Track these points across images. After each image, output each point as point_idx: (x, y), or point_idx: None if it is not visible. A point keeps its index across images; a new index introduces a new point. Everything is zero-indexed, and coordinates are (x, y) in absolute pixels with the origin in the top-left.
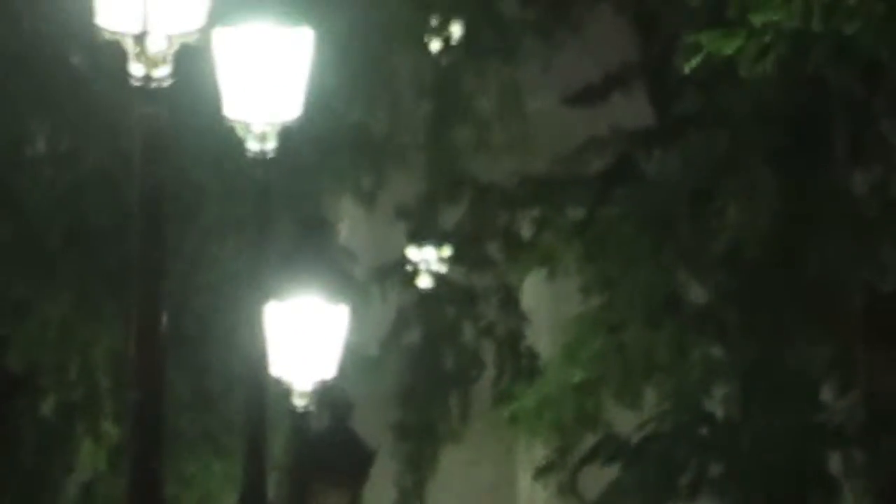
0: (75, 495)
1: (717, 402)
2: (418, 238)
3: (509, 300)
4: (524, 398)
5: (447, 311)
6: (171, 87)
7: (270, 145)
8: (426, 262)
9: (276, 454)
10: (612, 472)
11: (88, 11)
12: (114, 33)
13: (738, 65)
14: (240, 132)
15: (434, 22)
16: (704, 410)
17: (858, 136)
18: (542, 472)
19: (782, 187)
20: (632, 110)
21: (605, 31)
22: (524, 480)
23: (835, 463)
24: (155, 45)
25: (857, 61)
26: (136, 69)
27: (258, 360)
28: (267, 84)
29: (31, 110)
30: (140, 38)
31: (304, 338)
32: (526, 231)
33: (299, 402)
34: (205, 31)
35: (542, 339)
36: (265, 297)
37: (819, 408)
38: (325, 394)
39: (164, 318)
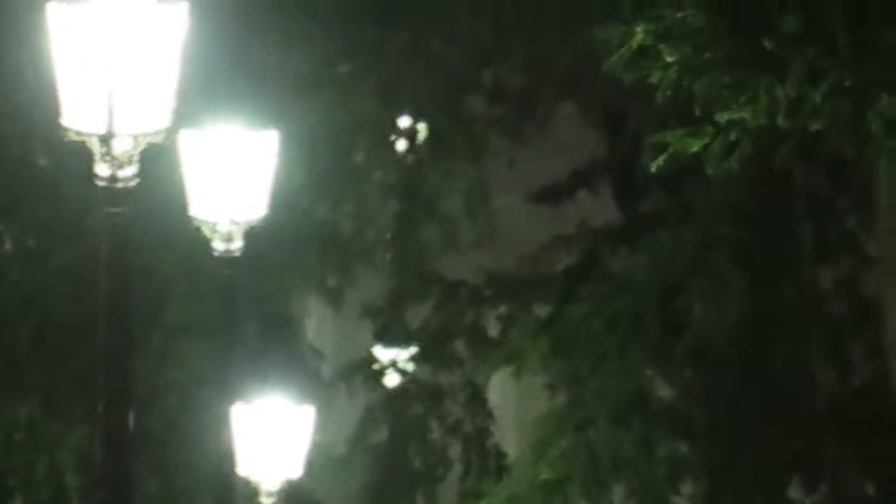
0: None
1: (684, 500)
2: (385, 336)
3: (476, 398)
4: (492, 496)
5: (414, 408)
6: (136, 187)
7: (236, 244)
8: (393, 360)
9: None
10: None
11: (54, 112)
12: (79, 134)
13: (704, 162)
14: (206, 232)
15: (400, 122)
16: None
17: (824, 232)
18: None
19: (749, 284)
20: (598, 208)
21: (571, 129)
22: None
23: None
24: (120, 145)
25: (822, 158)
26: (102, 169)
27: (225, 460)
28: (232, 184)
29: None
30: (105, 139)
31: (271, 438)
32: (493, 329)
33: (266, 502)
34: (171, 132)
35: (509, 436)
36: (232, 397)
37: None
38: (292, 493)
39: (131, 417)
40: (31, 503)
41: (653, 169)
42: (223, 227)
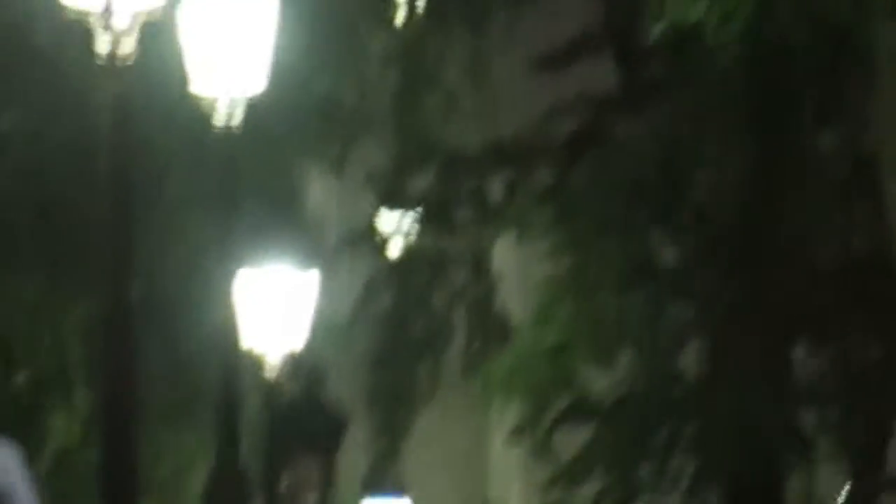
0: (48, 468)
1: (689, 363)
2: (387, 205)
3: (479, 265)
4: (496, 362)
5: (417, 277)
6: (136, 62)
7: (237, 118)
8: (396, 229)
9: (249, 424)
10: (585, 433)
11: None
12: (79, 11)
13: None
14: (206, 106)
15: None
16: (677, 371)
17: (825, 97)
18: (516, 434)
19: (751, 149)
20: (598, 76)
21: None
22: (497, 444)
23: (808, 421)
24: (120, 21)
25: (820, 23)
26: (102, 46)
27: (229, 331)
28: (232, 57)
29: None
30: (105, 16)
31: (275, 306)
32: (495, 195)
33: (271, 372)
34: (169, 7)
35: (513, 302)
36: (234, 268)
37: (792, 366)
38: (297, 363)
39: (135, 291)
40: (36, 376)
41: (652, 37)
42: (223, 101)
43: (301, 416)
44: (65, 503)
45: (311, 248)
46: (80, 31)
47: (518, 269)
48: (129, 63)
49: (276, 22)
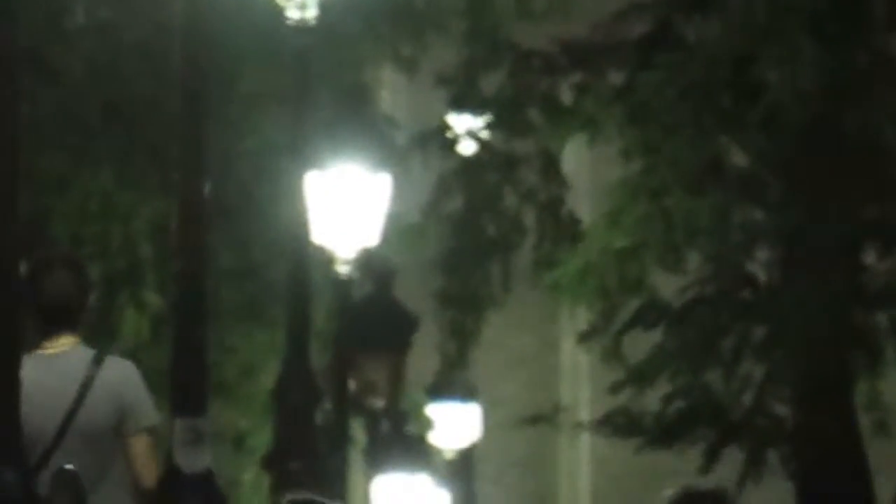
0: None
1: (759, 266)
2: (459, 105)
3: (550, 166)
4: (566, 264)
5: (488, 177)
6: None
7: (311, 13)
8: (467, 128)
9: (318, 322)
10: (655, 337)
11: None
12: None
13: None
14: (280, 1)
15: None
16: (747, 274)
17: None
18: (585, 338)
19: (822, 51)
20: None
21: None
22: (567, 346)
23: (877, 325)
24: None
25: None
26: None
27: (300, 229)
28: None
29: None
30: None
31: (347, 206)
32: (567, 96)
33: (342, 270)
34: None
35: (584, 204)
36: (307, 165)
37: (862, 270)
38: (368, 261)
39: (207, 188)
40: (107, 273)
41: None
42: None
43: (371, 315)
44: None
45: (383, 149)
46: None
47: (589, 171)
48: None
49: None
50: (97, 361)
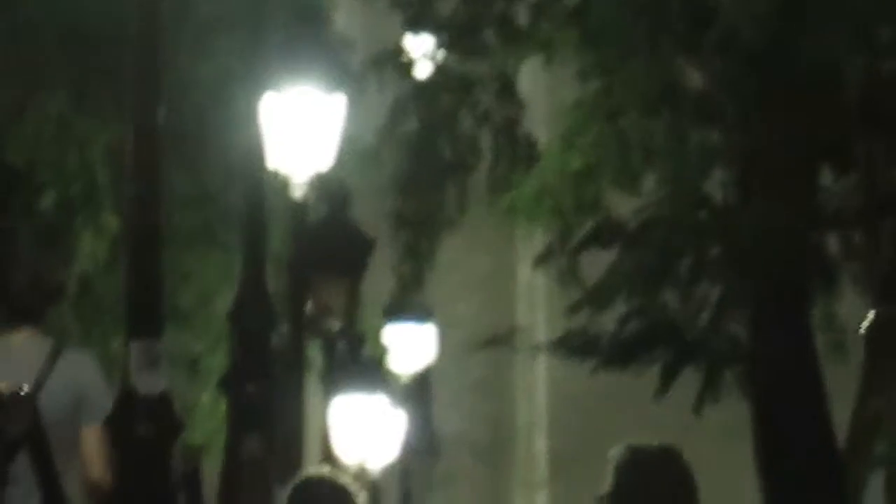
0: (74, 289)
1: (716, 187)
2: (415, 26)
3: (506, 88)
4: (522, 186)
5: (444, 99)
6: None
7: None
8: (423, 50)
9: (274, 247)
10: (611, 258)
11: None
12: None
13: None
14: None
15: None
16: (703, 195)
17: None
18: (541, 259)
19: None
20: None
21: None
22: (523, 268)
23: (833, 246)
24: None
25: None
26: None
27: (255, 153)
28: None
29: None
30: None
31: (301, 129)
32: (522, 18)
33: (297, 194)
34: None
35: (540, 126)
36: (261, 91)
37: (818, 191)
38: (323, 184)
39: (162, 113)
40: (63, 198)
41: None
42: None
43: (326, 238)
44: (89, 327)
45: (338, 71)
46: None
47: (545, 93)
48: None
49: None
50: (55, 353)
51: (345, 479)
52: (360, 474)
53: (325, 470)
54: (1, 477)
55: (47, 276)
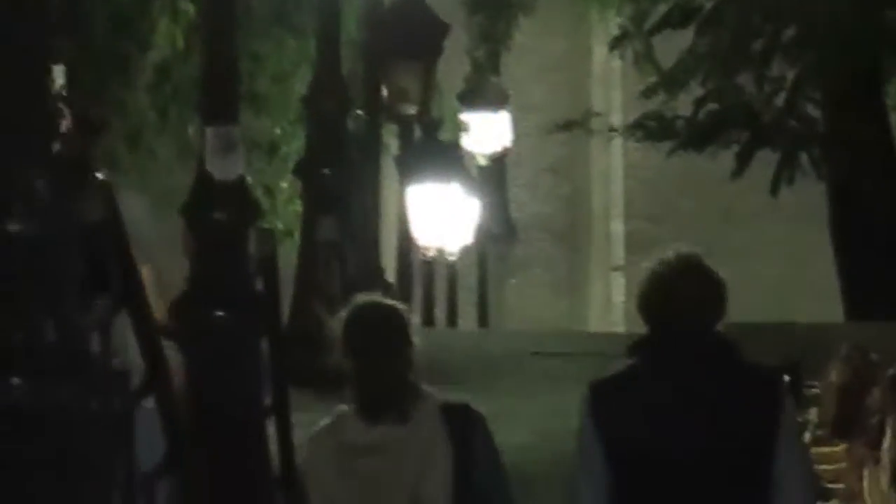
0: (151, 77)
1: None
2: None
3: None
4: None
5: None
6: None
7: None
8: None
9: (349, 31)
10: (686, 41)
11: None
12: None
13: None
14: None
15: None
16: None
17: None
18: (616, 42)
19: None
20: None
21: None
22: (599, 51)
23: None
24: None
25: None
26: None
27: None
28: None
29: None
30: None
31: None
32: None
33: None
34: None
35: None
36: None
37: None
38: None
39: None
40: None
41: None
42: None
43: (401, 22)
44: (165, 113)
45: None
46: None
47: None
48: None
49: None
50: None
51: (395, 303)
52: (439, 258)
53: (376, 296)
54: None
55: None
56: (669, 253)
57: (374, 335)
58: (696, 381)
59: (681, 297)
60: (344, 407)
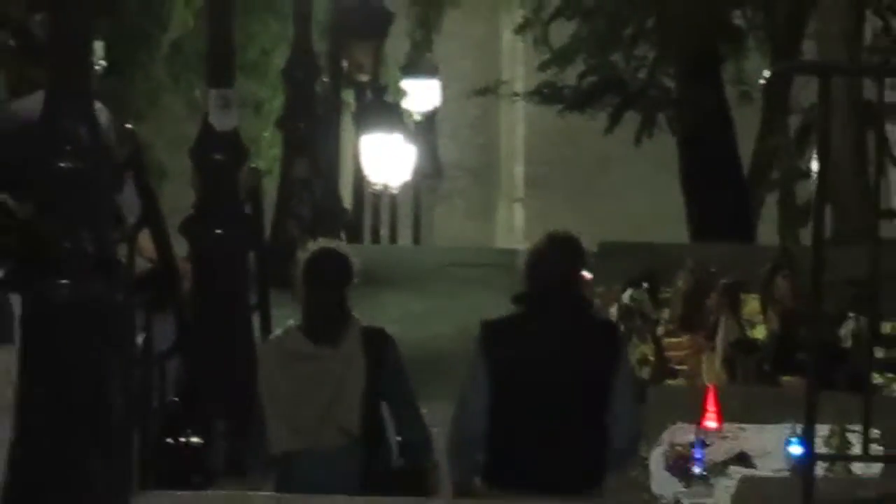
0: (167, 50)
1: None
2: None
3: None
4: None
5: None
6: None
7: None
8: None
9: (319, 16)
10: (573, 27)
11: None
12: None
13: None
14: None
15: None
16: None
17: None
18: (521, 28)
19: None
20: None
21: None
22: (507, 35)
23: (739, 19)
24: None
25: None
26: None
27: None
28: None
29: None
30: None
31: None
32: None
33: None
34: None
35: None
36: None
37: None
38: None
39: None
40: None
41: None
42: None
43: (357, 10)
44: (178, 79)
45: None
46: None
47: None
48: None
49: None
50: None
51: (345, 249)
52: (384, 190)
53: (331, 242)
54: (117, 185)
55: None
56: (544, 234)
57: (321, 275)
58: (559, 326)
59: (548, 262)
60: (293, 322)
